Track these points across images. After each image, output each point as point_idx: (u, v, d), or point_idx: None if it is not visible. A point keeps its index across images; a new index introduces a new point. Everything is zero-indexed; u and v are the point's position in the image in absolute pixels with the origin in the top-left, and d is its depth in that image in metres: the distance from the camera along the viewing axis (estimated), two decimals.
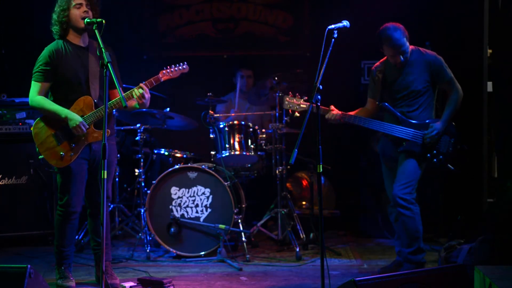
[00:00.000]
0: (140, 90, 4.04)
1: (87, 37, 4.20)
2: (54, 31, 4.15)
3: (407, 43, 4.41)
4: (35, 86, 4.09)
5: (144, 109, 5.49)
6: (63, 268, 4.26)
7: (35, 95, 4.09)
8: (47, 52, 4.11)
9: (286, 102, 4.37)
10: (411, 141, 4.41)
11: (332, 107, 4.40)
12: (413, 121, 4.44)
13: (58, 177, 4.21)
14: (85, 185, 4.23)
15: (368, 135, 5.87)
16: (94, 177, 4.22)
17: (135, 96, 4.06)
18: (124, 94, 3.96)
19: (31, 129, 4.13)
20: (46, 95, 4.12)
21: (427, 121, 4.46)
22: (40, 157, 4.11)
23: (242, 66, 6.28)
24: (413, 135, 4.42)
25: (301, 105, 4.33)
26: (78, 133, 4.05)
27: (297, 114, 4.36)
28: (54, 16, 4.12)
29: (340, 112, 4.39)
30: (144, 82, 4.09)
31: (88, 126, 4.06)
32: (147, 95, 4.07)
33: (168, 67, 4.21)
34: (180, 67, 4.24)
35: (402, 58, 4.42)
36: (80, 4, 4.06)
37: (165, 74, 4.19)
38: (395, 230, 4.72)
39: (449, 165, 4.46)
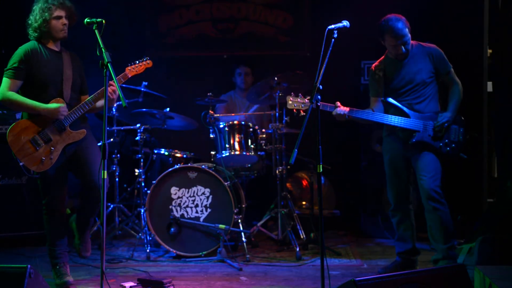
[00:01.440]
0: (111, 87, 4.11)
1: (59, 43, 4.28)
2: (32, 35, 4.19)
3: (409, 35, 4.43)
4: (6, 83, 4.10)
5: (144, 109, 5.53)
6: (58, 267, 4.29)
7: (6, 91, 4.08)
8: (22, 51, 4.14)
9: (290, 102, 4.36)
10: (422, 132, 4.41)
11: (338, 103, 4.38)
12: (421, 113, 4.45)
13: (38, 180, 4.26)
14: (67, 184, 4.30)
15: (368, 135, 5.87)
16: (81, 162, 4.21)
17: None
18: (94, 95, 4.15)
19: (6, 136, 4.08)
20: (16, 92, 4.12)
21: (433, 112, 4.47)
22: (21, 163, 4.09)
23: (240, 63, 6.28)
24: (424, 126, 4.43)
25: (306, 104, 4.34)
26: (63, 117, 4.08)
27: (302, 113, 4.34)
28: (34, 23, 4.15)
29: (347, 108, 4.37)
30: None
31: (67, 110, 4.10)
32: (117, 92, 4.11)
33: (133, 63, 4.39)
34: (144, 62, 4.44)
35: (403, 49, 4.43)
36: (60, 17, 4.15)
37: (131, 70, 4.37)
38: (395, 232, 4.71)
39: (461, 154, 4.47)
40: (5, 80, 4.11)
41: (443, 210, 4.41)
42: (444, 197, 4.43)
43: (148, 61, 4.44)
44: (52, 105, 4.09)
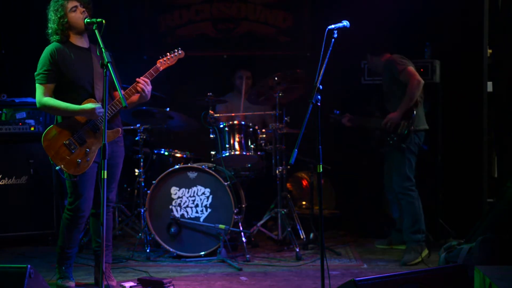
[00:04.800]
0: (141, 86, 4.07)
1: (87, 38, 4.19)
2: (55, 40, 4.09)
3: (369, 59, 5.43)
4: (40, 89, 4.03)
5: (144, 107, 5.53)
6: (63, 268, 4.24)
7: (42, 97, 4.02)
8: (48, 52, 4.05)
9: None
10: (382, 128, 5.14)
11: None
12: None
13: (68, 182, 4.12)
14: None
15: (368, 135, 5.86)
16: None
17: (139, 89, 4.07)
18: (126, 91, 4.04)
19: (42, 143, 4.02)
20: (51, 97, 4.05)
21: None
22: (57, 168, 4.02)
23: (242, 67, 6.27)
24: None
25: None
26: (100, 116, 4.00)
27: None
28: (54, 25, 4.07)
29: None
30: (144, 74, 4.13)
31: (102, 110, 3.98)
32: (149, 87, 4.11)
33: (164, 55, 4.26)
34: (176, 54, 4.30)
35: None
36: (76, 7, 4.06)
37: (163, 63, 4.24)
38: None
39: (402, 144, 5.00)
40: (37, 86, 4.04)
41: None
42: None
43: (180, 52, 4.29)
44: (88, 105, 4.00)
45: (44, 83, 4.03)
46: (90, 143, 4.06)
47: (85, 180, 4.10)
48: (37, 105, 4.06)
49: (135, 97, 4.13)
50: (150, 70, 4.17)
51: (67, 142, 4.03)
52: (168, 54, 4.27)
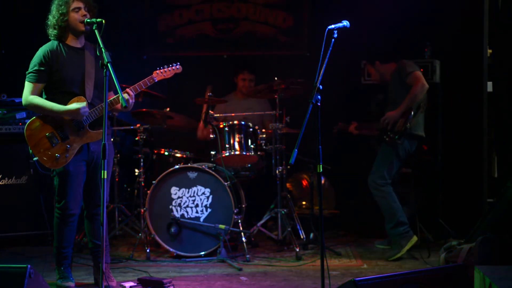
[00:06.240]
0: (126, 96, 4.04)
1: (83, 38, 4.20)
2: (52, 34, 4.12)
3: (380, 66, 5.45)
4: (28, 87, 4.06)
5: (144, 110, 5.54)
6: (62, 268, 4.24)
7: (28, 95, 4.05)
8: (41, 52, 4.08)
9: None
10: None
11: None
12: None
13: (56, 179, 4.15)
14: (83, 187, 4.20)
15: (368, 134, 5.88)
16: (92, 178, 4.19)
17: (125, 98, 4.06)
18: (117, 96, 4.04)
19: (24, 131, 4.05)
20: (39, 96, 4.08)
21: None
22: (35, 159, 4.04)
23: (245, 68, 6.25)
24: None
25: None
26: (84, 116, 4.00)
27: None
28: (53, 19, 4.09)
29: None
30: (138, 83, 4.15)
31: (88, 110, 4.02)
32: (132, 100, 4.09)
33: (162, 67, 4.28)
34: (173, 67, 4.31)
35: None
36: (79, 8, 4.06)
37: (159, 75, 4.25)
38: None
39: (398, 140, 5.07)
40: (27, 84, 4.07)
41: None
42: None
43: (178, 67, 4.32)
44: (72, 106, 4.00)
45: (34, 82, 4.06)
46: (72, 140, 4.07)
47: (69, 178, 4.10)
48: (23, 102, 4.08)
49: (119, 105, 4.12)
50: (145, 79, 4.18)
51: (49, 134, 4.04)
52: (165, 66, 4.28)
